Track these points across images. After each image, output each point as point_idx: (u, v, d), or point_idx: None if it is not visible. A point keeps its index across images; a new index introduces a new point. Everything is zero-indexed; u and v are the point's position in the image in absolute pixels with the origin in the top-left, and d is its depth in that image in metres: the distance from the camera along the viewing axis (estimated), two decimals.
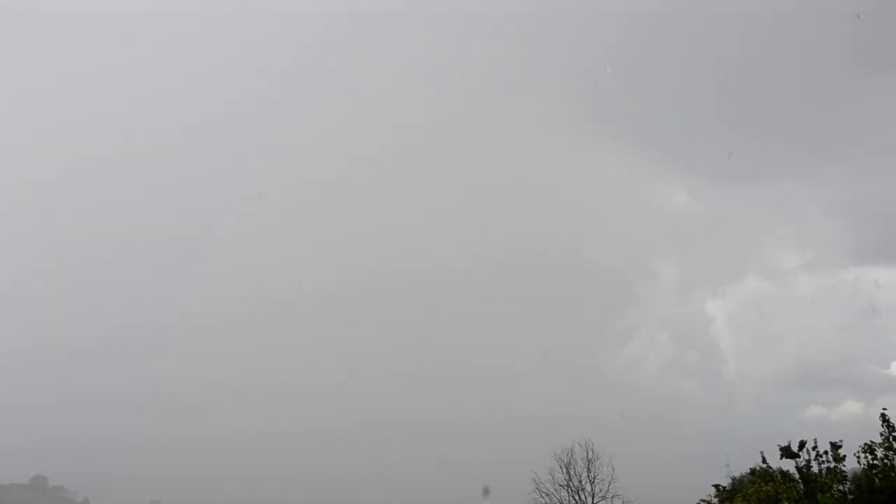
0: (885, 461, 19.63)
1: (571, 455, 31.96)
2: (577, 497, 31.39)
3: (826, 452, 20.99)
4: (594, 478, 31.71)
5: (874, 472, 19.77)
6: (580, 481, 31.66)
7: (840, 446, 20.95)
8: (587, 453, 32.06)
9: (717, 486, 24.82)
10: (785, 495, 21.25)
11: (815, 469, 21.02)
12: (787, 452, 21.56)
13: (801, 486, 20.56)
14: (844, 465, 20.65)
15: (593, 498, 31.41)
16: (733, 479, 25.88)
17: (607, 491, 31.44)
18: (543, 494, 31.26)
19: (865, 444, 20.39)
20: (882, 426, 19.85)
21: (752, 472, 23.88)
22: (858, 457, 20.34)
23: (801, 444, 21.46)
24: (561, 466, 31.80)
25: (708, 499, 23.62)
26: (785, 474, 22.15)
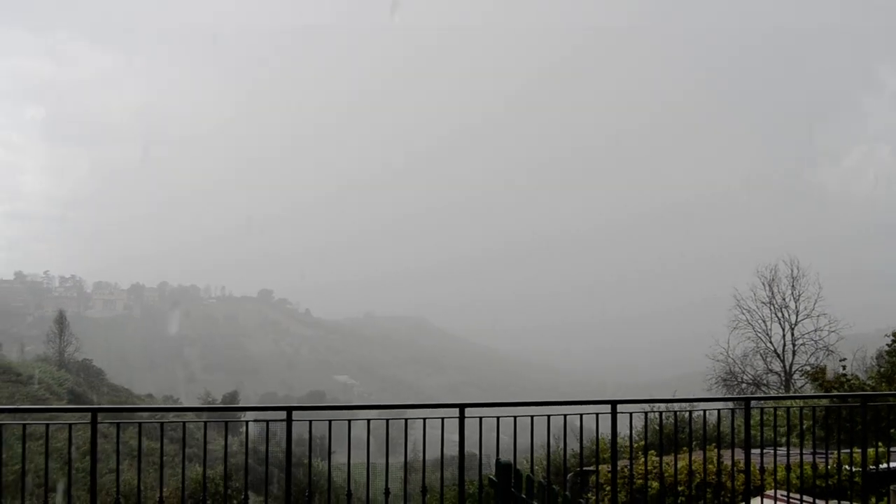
0: None
1: (775, 273, 30.65)
2: (780, 314, 30.41)
3: None
4: (799, 296, 30.35)
5: None
6: (783, 299, 30.51)
7: None
8: (792, 271, 30.54)
9: None
10: None
11: None
12: None
13: None
14: None
15: (797, 315, 30.25)
16: None
17: (812, 309, 30.03)
18: (745, 311, 30.56)
19: None
20: None
21: None
22: None
23: None
24: (764, 283, 30.66)
25: None
26: None
